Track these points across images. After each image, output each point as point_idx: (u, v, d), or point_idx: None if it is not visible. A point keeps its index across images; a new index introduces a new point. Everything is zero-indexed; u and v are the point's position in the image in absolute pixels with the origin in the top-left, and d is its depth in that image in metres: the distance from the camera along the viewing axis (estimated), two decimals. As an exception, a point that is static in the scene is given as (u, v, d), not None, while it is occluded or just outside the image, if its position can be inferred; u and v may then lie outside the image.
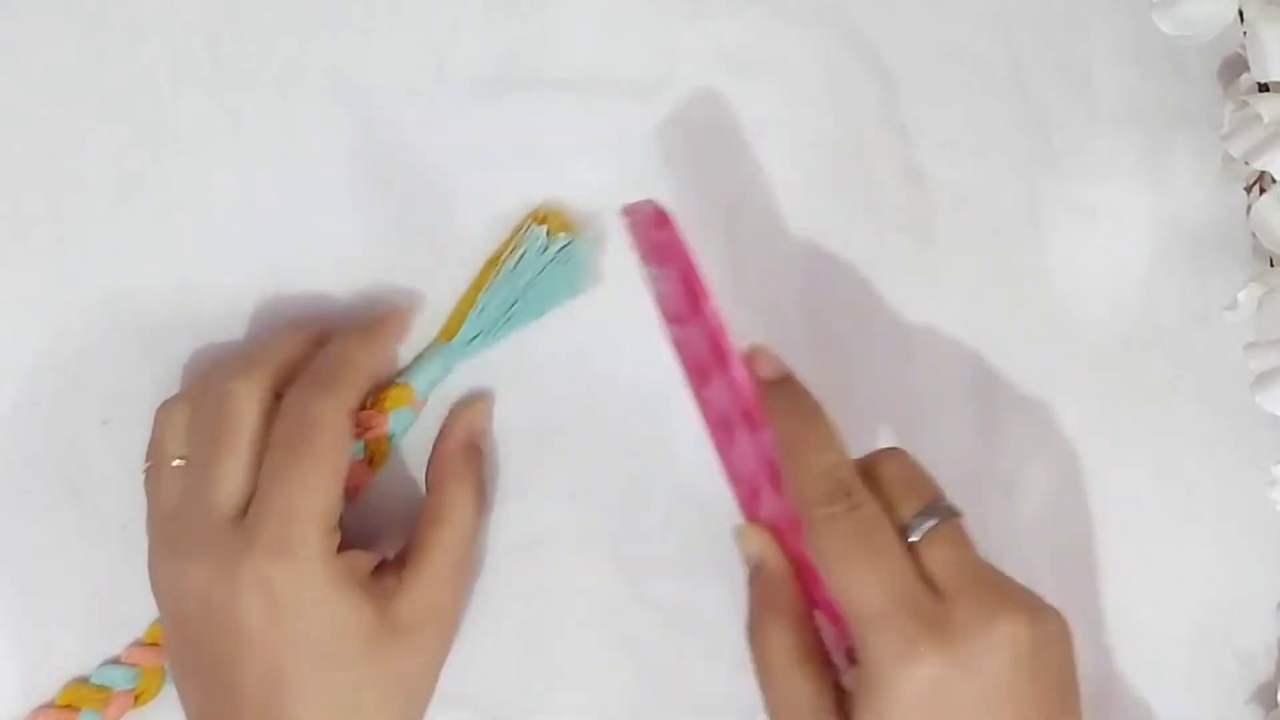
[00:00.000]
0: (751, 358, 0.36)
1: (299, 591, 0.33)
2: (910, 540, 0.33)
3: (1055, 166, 0.43)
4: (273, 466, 0.34)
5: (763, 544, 0.36)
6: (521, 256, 0.39)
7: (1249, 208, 0.41)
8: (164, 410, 0.37)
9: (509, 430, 0.41)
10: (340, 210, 0.41)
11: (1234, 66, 0.42)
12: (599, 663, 0.41)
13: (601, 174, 0.41)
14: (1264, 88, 0.40)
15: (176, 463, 0.36)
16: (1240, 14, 0.39)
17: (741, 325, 0.41)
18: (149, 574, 0.36)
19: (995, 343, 0.42)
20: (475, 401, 0.40)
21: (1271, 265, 0.41)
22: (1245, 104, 0.39)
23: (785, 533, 0.36)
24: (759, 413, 0.36)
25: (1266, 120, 0.37)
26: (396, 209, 0.41)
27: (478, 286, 0.40)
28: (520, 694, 0.41)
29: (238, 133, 0.41)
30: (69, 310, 0.40)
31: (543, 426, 0.41)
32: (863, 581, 0.32)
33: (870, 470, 0.35)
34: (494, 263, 0.40)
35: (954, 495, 0.41)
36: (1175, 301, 0.43)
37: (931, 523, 0.33)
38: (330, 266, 0.41)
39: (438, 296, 0.41)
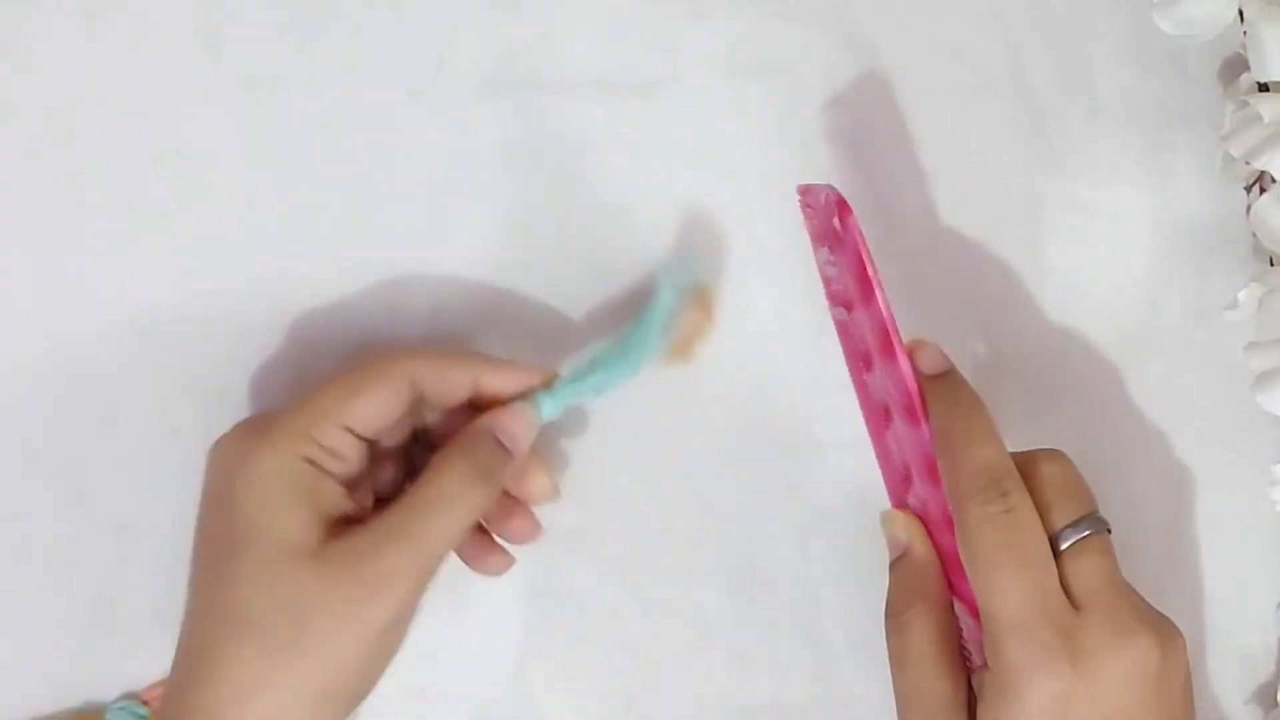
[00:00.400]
0: (915, 350, 0.36)
1: (262, 470, 0.33)
2: (1060, 548, 0.33)
3: (1055, 166, 0.43)
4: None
5: (911, 530, 0.36)
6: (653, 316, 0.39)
7: (1249, 207, 0.41)
8: None
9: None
10: (340, 210, 0.41)
11: (1234, 66, 0.42)
12: (599, 663, 0.41)
13: (601, 174, 0.41)
14: (1264, 87, 0.40)
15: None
16: (1240, 14, 0.39)
17: (742, 325, 0.42)
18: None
19: (995, 342, 0.42)
20: (523, 409, 0.37)
21: (1272, 265, 0.41)
22: (1245, 104, 0.39)
23: (932, 524, 0.36)
24: (919, 405, 0.36)
25: (1267, 120, 0.37)
26: (396, 209, 0.41)
27: None
28: (520, 693, 0.41)
29: (238, 133, 0.41)
30: (69, 310, 0.40)
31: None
32: (1009, 587, 0.32)
33: (1028, 469, 0.34)
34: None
35: (954, 495, 0.42)
36: (1175, 301, 0.43)
37: (1084, 535, 0.33)
38: (330, 266, 0.41)
39: (436, 295, 0.41)
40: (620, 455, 0.41)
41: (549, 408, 0.37)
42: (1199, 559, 0.43)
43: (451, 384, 0.36)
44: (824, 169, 0.42)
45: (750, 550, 0.41)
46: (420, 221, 0.41)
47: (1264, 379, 0.38)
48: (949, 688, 0.34)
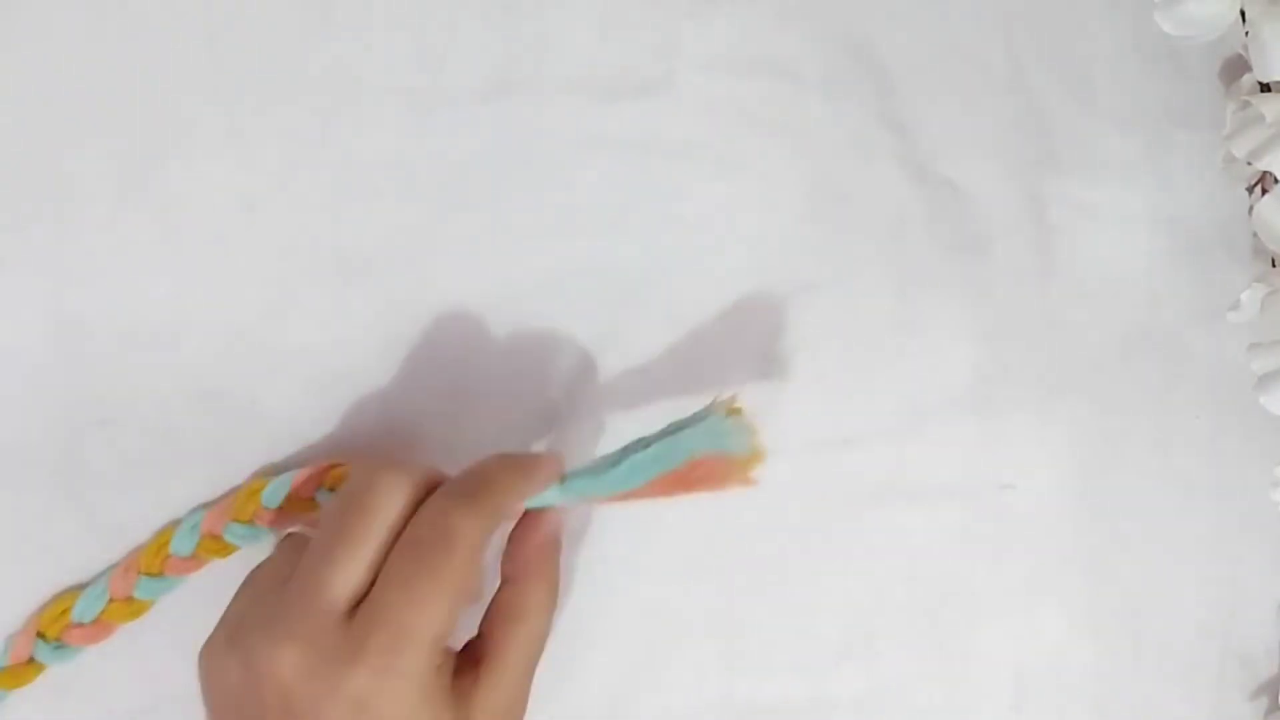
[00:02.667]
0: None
1: (394, 708, 0.31)
2: None
3: (1055, 166, 0.43)
4: (395, 572, 0.31)
5: None
6: (685, 422, 0.36)
7: (1251, 208, 0.41)
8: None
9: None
10: (340, 210, 0.41)
11: (1235, 66, 0.42)
12: (599, 663, 0.41)
13: (601, 174, 0.41)
14: (1266, 88, 0.40)
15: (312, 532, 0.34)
16: (1242, 14, 0.39)
17: (741, 325, 0.41)
18: (217, 631, 0.33)
19: (995, 342, 0.42)
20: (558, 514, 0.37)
21: (1274, 265, 0.41)
22: (1247, 104, 0.39)
23: None
24: None
25: (1269, 120, 0.37)
26: (396, 210, 0.41)
27: None
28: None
29: (237, 133, 0.41)
30: (68, 310, 0.40)
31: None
32: None
33: None
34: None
35: (954, 495, 0.42)
36: (1175, 301, 0.43)
37: None
38: (330, 267, 0.41)
39: (436, 295, 0.41)
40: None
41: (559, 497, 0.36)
42: (1199, 559, 0.43)
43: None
44: (824, 169, 0.42)
45: (751, 551, 0.41)
46: (420, 221, 0.41)
47: (1266, 380, 0.38)
48: None
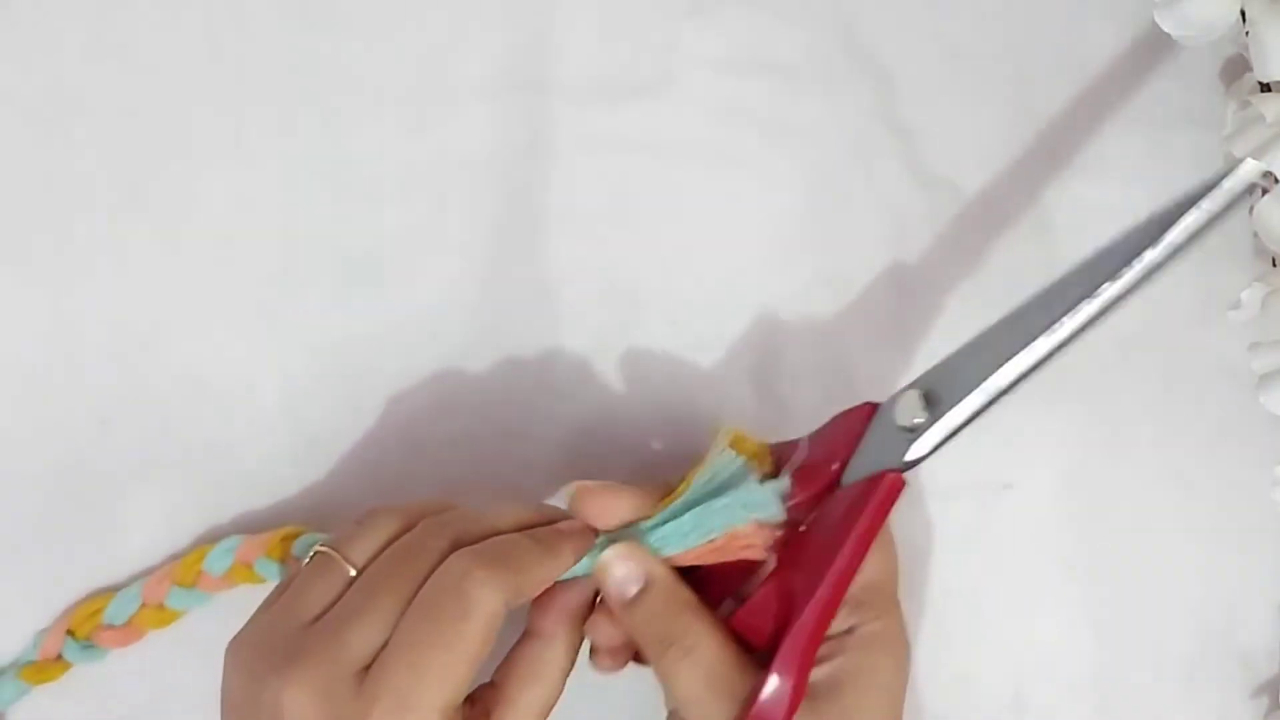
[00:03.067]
0: None
1: None
2: None
3: (1055, 166, 0.43)
4: (408, 637, 0.31)
5: (649, 558, 0.34)
6: (713, 479, 0.34)
7: (1251, 208, 0.41)
8: (372, 516, 0.34)
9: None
10: (340, 210, 0.41)
11: (1236, 66, 0.42)
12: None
13: (601, 174, 0.41)
14: (1266, 87, 0.40)
15: (351, 572, 0.32)
16: (1243, 14, 0.39)
17: (744, 320, 0.41)
18: (239, 643, 0.33)
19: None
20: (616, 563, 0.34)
21: (1275, 265, 0.41)
22: (1248, 104, 0.39)
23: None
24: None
25: (1269, 120, 0.37)
26: (396, 210, 0.41)
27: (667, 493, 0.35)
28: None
29: (237, 134, 0.41)
30: (69, 311, 0.40)
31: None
32: None
33: None
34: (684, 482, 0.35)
35: (954, 495, 0.42)
36: (1176, 301, 0.43)
37: None
38: (330, 267, 0.40)
39: (435, 295, 0.41)
40: (618, 451, 0.41)
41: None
42: (1199, 559, 0.43)
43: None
44: (824, 169, 0.42)
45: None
46: (419, 221, 0.41)
47: (1267, 380, 0.38)
48: (749, 680, 0.32)
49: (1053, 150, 0.43)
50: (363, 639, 0.31)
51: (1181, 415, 0.43)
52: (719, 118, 0.42)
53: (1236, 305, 0.40)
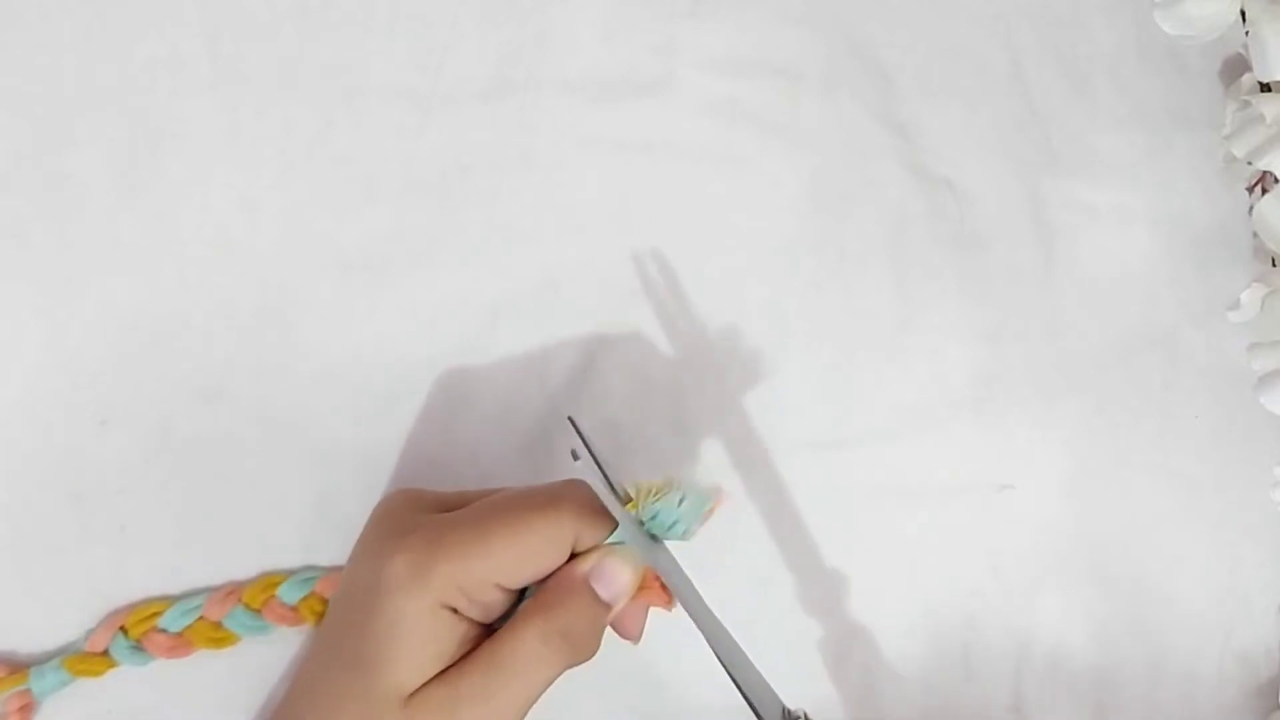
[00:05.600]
0: None
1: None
2: None
3: (1055, 166, 0.43)
4: (473, 686, 0.32)
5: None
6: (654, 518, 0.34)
7: (1251, 208, 0.41)
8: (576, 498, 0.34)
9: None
10: (340, 210, 0.41)
11: (1235, 66, 0.42)
12: (598, 663, 0.41)
13: (601, 174, 0.41)
14: (1266, 87, 0.40)
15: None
16: (1242, 14, 0.39)
17: (742, 325, 0.41)
18: (307, 674, 0.34)
19: (995, 342, 0.42)
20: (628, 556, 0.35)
21: (1274, 265, 0.41)
22: (1247, 104, 0.39)
23: None
24: None
25: (1269, 120, 0.37)
26: (395, 209, 0.41)
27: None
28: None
29: (237, 133, 0.41)
30: (69, 310, 0.40)
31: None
32: None
33: None
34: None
35: (954, 495, 0.42)
36: (1176, 301, 0.43)
37: None
38: (330, 267, 0.40)
39: (435, 296, 0.41)
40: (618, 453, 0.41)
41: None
42: (1199, 559, 0.43)
43: (602, 535, 0.34)
44: (824, 168, 0.42)
45: (751, 551, 0.41)
46: (419, 222, 0.41)
47: (1267, 379, 0.38)
48: None
49: (1052, 150, 0.43)
50: (416, 675, 0.32)
51: (1181, 415, 0.43)
52: (719, 118, 0.42)
53: (1236, 305, 0.40)
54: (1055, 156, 0.43)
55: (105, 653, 0.38)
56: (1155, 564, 0.42)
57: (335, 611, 0.35)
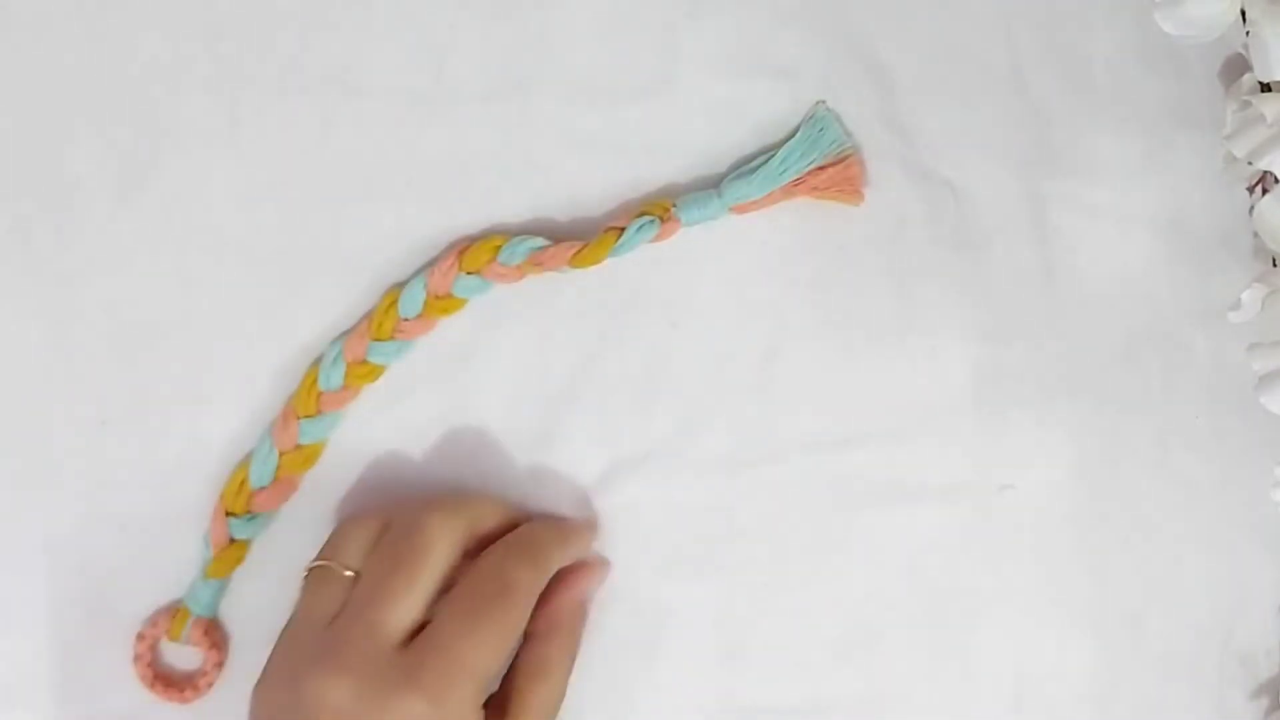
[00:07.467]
0: None
1: None
2: None
3: (1056, 166, 0.42)
4: (456, 612, 0.34)
5: None
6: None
7: (1251, 208, 0.41)
8: (349, 524, 0.37)
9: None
10: (340, 211, 0.41)
11: (1236, 66, 0.42)
12: (599, 664, 0.41)
13: (601, 175, 0.41)
14: (1266, 87, 0.40)
15: (348, 573, 0.35)
16: (1243, 14, 0.39)
17: (742, 324, 0.41)
18: (265, 676, 0.35)
19: (995, 342, 0.42)
20: (597, 564, 0.40)
21: (1275, 265, 0.41)
22: (1248, 104, 0.39)
23: None
24: None
25: (1269, 120, 0.37)
26: (396, 210, 0.41)
27: None
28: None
29: (237, 133, 0.41)
30: (69, 310, 0.40)
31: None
32: None
33: None
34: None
35: (954, 495, 0.42)
36: (1176, 301, 0.43)
37: None
38: (330, 267, 0.41)
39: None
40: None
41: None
42: (1199, 559, 0.43)
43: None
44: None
45: (750, 551, 0.41)
46: (420, 221, 0.41)
47: (1268, 380, 0.38)
48: None
49: (1052, 150, 0.42)
50: (399, 615, 0.34)
51: (1181, 415, 0.43)
52: (719, 118, 0.42)
53: (1236, 305, 0.39)
54: (1055, 156, 0.42)
55: (231, 540, 0.39)
56: (1155, 564, 0.42)
57: None
